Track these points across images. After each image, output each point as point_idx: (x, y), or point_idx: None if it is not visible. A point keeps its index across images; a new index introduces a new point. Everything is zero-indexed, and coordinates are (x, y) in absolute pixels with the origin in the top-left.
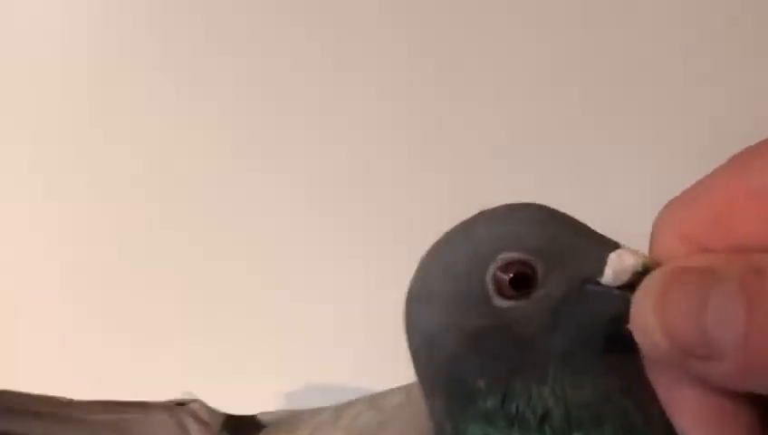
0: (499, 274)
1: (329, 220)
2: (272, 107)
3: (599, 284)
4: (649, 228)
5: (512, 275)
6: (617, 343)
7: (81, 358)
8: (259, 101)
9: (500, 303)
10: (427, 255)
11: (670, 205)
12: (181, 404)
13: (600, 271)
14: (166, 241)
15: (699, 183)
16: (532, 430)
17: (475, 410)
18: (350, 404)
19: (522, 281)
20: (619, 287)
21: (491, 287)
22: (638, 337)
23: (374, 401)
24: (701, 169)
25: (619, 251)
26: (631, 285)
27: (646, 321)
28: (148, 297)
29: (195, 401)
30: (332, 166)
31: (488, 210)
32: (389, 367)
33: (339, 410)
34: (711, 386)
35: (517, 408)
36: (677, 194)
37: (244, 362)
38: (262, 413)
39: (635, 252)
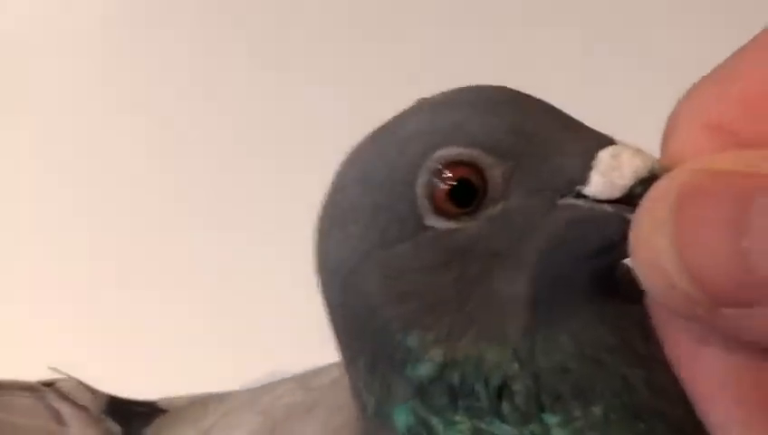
0: (434, 181)
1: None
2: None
3: (582, 196)
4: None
5: (452, 182)
6: (610, 283)
7: None
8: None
9: (436, 223)
10: (342, 163)
11: (694, 89)
12: (48, 384)
13: (585, 177)
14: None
15: (733, 57)
16: (484, 410)
17: (403, 380)
18: (274, 384)
19: (466, 191)
20: (612, 202)
21: (423, 201)
22: (643, 276)
23: (304, 379)
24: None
25: (613, 148)
26: (631, 199)
27: (655, 252)
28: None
29: (66, 379)
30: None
31: (430, 97)
32: (307, 346)
33: (259, 392)
34: (749, 347)
35: (462, 377)
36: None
37: (147, 342)
38: (164, 398)
39: (637, 150)
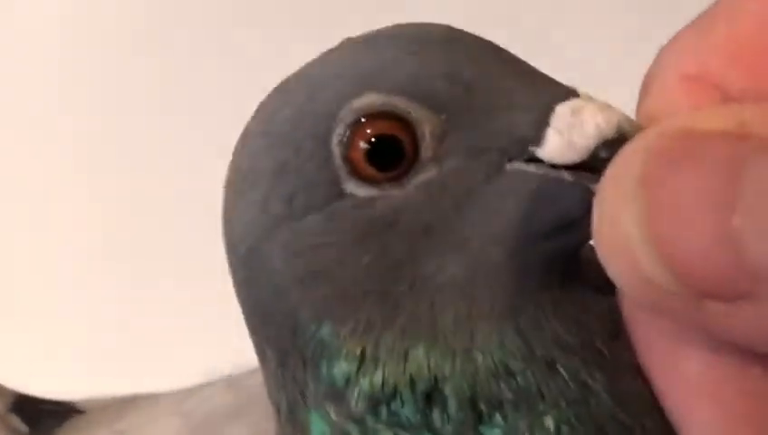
0: (350, 136)
1: None
2: None
3: (535, 160)
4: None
5: (372, 139)
6: (570, 269)
7: None
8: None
9: (354, 189)
10: (251, 117)
11: (674, 39)
12: None
13: (539, 136)
14: None
15: (715, 4)
16: (410, 419)
17: (317, 379)
18: (204, 385)
19: (390, 151)
20: (572, 168)
21: (339, 162)
22: (607, 263)
23: (236, 380)
24: None
25: (574, 101)
26: (595, 164)
27: (622, 233)
28: None
29: None
30: None
31: (358, 36)
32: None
33: (186, 393)
34: (736, 347)
35: (384, 379)
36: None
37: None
38: (85, 399)
39: (604, 105)
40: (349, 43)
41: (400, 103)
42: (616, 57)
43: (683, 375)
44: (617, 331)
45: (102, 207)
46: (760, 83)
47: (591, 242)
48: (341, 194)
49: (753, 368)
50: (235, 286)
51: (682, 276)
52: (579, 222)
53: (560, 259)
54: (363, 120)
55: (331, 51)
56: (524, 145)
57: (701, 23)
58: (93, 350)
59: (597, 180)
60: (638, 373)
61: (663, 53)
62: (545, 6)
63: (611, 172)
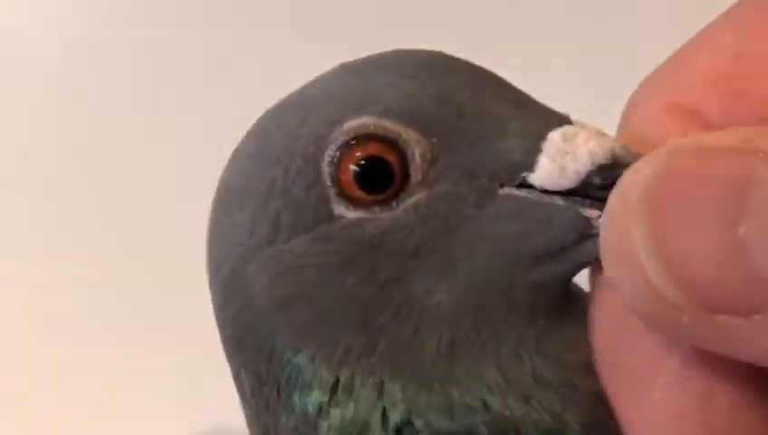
0: (340, 158)
1: None
2: None
3: (527, 185)
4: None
5: (362, 161)
6: (559, 299)
7: None
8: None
9: (343, 211)
10: (243, 138)
11: (656, 71)
12: None
13: (531, 162)
14: None
15: (695, 39)
16: None
17: (290, 409)
18: None
19: (380, 173)
20: (565, 193)
21: (328, 183)
22: (616, 280)
23: None
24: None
25: (566, 127)
26: (588, 189)
27: (629, 244)
28: None
29: None
30: None
31: (353, 60)
32: None
33: None
34: (702, 378)
35: (354, 412)
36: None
37: None
38: None
39: (596, 131)
40: (342, 67)
41: (390, 126)
42: (609, 84)
43: (646, 406)
44: (592, 364)
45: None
46: (739, 110)
47: (582, 270)
48: (330, 216)
49: (718, 401)
50: (214, 309)
51: (692, 290)
52: (570, 248)
53: (548, 287)
54: (353, 142)
55: (324, 75)
56: (516, 170)
57: (682, 55)
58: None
59: (590, 206)
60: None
61: (645, 83)
62: (538, 34)
63: (620, 189)
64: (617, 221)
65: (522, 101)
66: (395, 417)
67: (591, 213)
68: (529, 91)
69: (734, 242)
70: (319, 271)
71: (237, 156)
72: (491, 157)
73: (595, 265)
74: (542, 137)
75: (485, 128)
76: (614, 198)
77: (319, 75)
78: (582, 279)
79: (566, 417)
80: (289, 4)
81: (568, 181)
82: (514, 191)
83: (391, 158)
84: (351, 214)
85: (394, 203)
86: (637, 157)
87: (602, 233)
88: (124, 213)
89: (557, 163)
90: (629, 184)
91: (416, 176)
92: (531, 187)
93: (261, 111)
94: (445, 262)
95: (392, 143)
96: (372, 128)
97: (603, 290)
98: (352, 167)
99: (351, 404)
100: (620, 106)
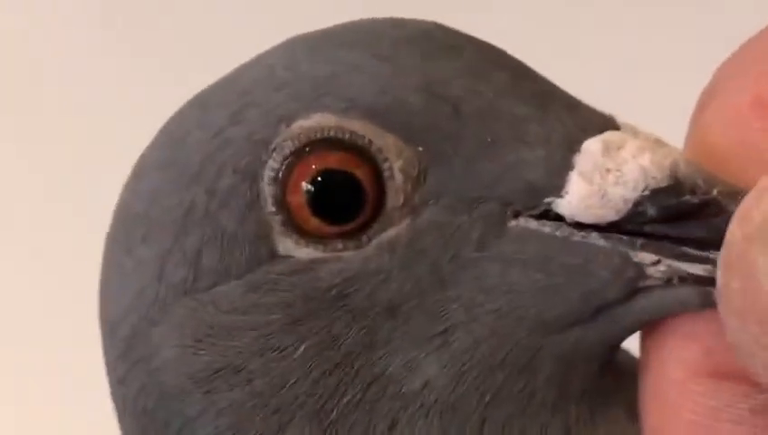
0: (290, 174)
1: None
2: None
3: (551, 216)
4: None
5: (319, 178)
6: (592, 375)
7: None
8: None
9: (291, 248)
10: (151, 141)
11: (737, 54)
12: None
13: (558, 183)
14: None
15: None
16: None
17: None
18: None
19: (344, 195)
20: (604, 229)
21: (271, 208)
22: (741, 334)
23: None
24: None
25: (609, 135)
26: (638, 223)
27: (755, 279)
28: None
29: None
30: None
31: (311, 32)
32: None
33: None
34: None
35: None
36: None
37: None
38: None
39: (653, 139)
40: (293, 42)
41: (359, 127)
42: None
43: None
44: None
45: None
46: None
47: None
48: (272, 255)
49: None
50: (108, 379)
51: None
52: (615, 307)
53: (582, 361)
54: (307, 149)
55: (269, 51)
56: (536, 195)
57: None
58: None
59: (642, 247)
60: None
61: (725, 71)
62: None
63: (746, 219)
64: (743, 259)
65: (546, 95)
66: None
67: (644, 257)
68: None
69: None
70: (255, 334)
71: (142, 168)
72: (500, 174)
73: (651, 326)
74: (574, 147)
75: (493, 132)
76: (737, 226)
77: (263, 52)
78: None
79: None
80: (289, 5)
81: (611, 212)
82: (533, 224)
83: (360, 173)
84: (303, 253)
85: (364, 238)
86: (711, 178)
87: (721, 272)
88: None
89: (595, 185)
90: (758, 210)
91: (394, 199)
92: (557, 218)
93: None
94: (434, 325)
95: (362, 152)
96: (333, 131)
97: (664, 359)
98: (305, 185)
99: None
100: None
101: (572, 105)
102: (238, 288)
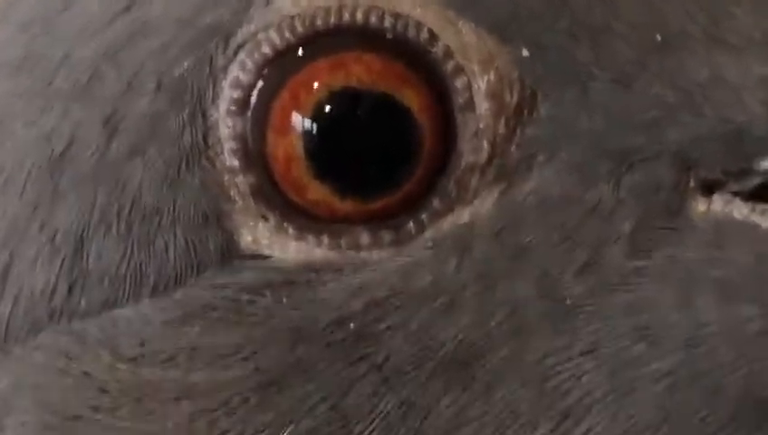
0: (268, 98)
1: None
2: None
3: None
4: None
5: (327, 106)
6: None
7: None
8: None
9: (267, 244)
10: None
11: None
12: None
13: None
14: None
15: None
16: None
17: None
18: None
19: (376, 141)
20: None
21: (230, 164)
22: None
23: None
24: None
25: None
26: None
27: None
28: None
29: None
30: None
31: None
32: None
33: None
34: None
35: None
36: None
37: None
38: None
39: None
40: None
41: (411, 9)
42: None
43: None
44: None
45: None
46: None
47: None
48: (227, 252)
49: None
50: None
51: None
52: None
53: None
54: (306, 49)
55: None
56: (747, 149)
57: None
58: None
59: None
60: None
61: None
62: None
63: None
64: None
65: None
66: None
67: None
68: None
69: None
70: (182, 416)
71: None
72: (678, 104)
73: None
74: None
75: (664, 24)
76: None
77: None
78: None
79: None
80: None
81: None
82: (743, 209)
83: (409, 97)
84: (289, 250)
85: (410, 225)
86: None
87: None
88: None
89: None
90: None
91: (472, 150)
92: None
93: None
94: (551, 400)
95: (415, 56)
96: (360, 12)
97: None
98: (301, 119)
99: None
100: None
101: None
102: (157, 314)
